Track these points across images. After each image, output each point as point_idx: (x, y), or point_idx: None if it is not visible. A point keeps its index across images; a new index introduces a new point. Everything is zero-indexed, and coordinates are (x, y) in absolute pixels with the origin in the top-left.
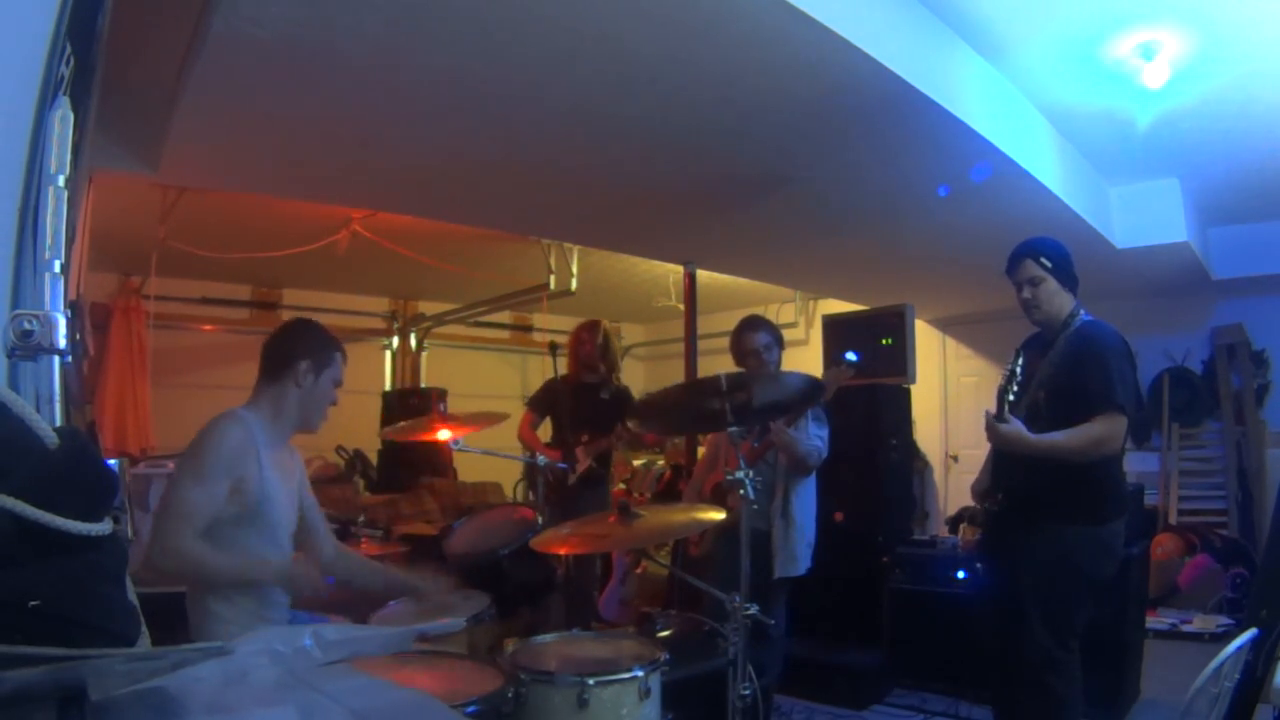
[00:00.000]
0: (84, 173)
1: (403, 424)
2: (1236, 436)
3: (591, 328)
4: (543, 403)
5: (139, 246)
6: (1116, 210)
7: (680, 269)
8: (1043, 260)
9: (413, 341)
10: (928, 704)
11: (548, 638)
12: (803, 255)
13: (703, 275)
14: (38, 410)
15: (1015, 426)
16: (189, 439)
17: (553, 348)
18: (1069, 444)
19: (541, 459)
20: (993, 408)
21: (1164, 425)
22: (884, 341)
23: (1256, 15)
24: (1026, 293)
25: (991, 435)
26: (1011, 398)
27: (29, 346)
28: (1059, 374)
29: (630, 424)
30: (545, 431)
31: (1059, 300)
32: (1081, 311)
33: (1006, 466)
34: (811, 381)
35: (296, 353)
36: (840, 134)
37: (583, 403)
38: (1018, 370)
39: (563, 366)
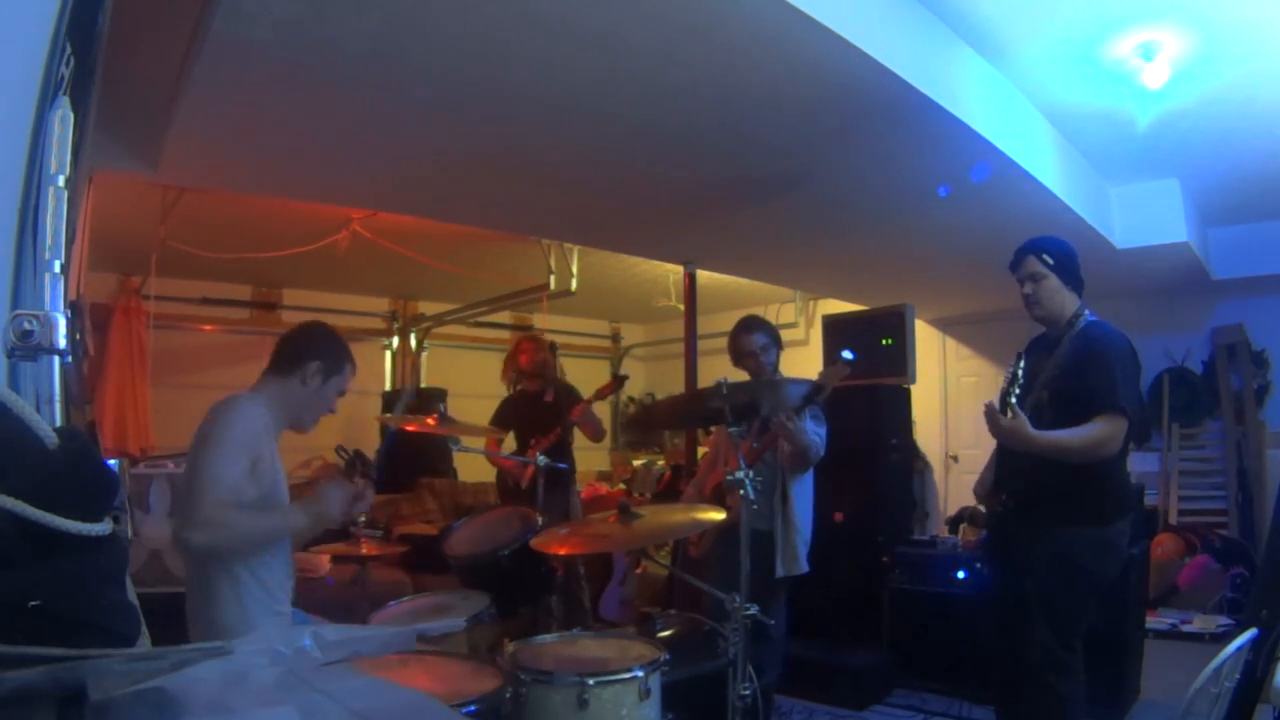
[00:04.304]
0: (84, 173)
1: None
2: (1236, 436)
3: (534, 341)
4: (502, 420)
5: (139, 246)
6: (1116, 210)
7: (680, 269)
8: (1045, 257)
9: (413, 341)
10: (928, 704)
11: (548, 638)
12: (803, 255)
13: (703, 275)
14: (38, 410)
15: (1019, 421)
16: (189, 439)
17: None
18: (1071, 443)
19: (541, 458)
20: (993, 402)
21: (1164, 425)
22: (884, 341)
23: (1256, 15)
24: (1027, 288)
25: (993, 428)
26: (1014, 399)
27: (29, 346)
28: (1063, 375)
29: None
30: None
31: (1060, 299)
32: (1087, 312)
33: (1010, 468)
34: (811, 389)
35: (311, 353)
36: (840, 134)
37: (531, 410)
38: (1019, 372)
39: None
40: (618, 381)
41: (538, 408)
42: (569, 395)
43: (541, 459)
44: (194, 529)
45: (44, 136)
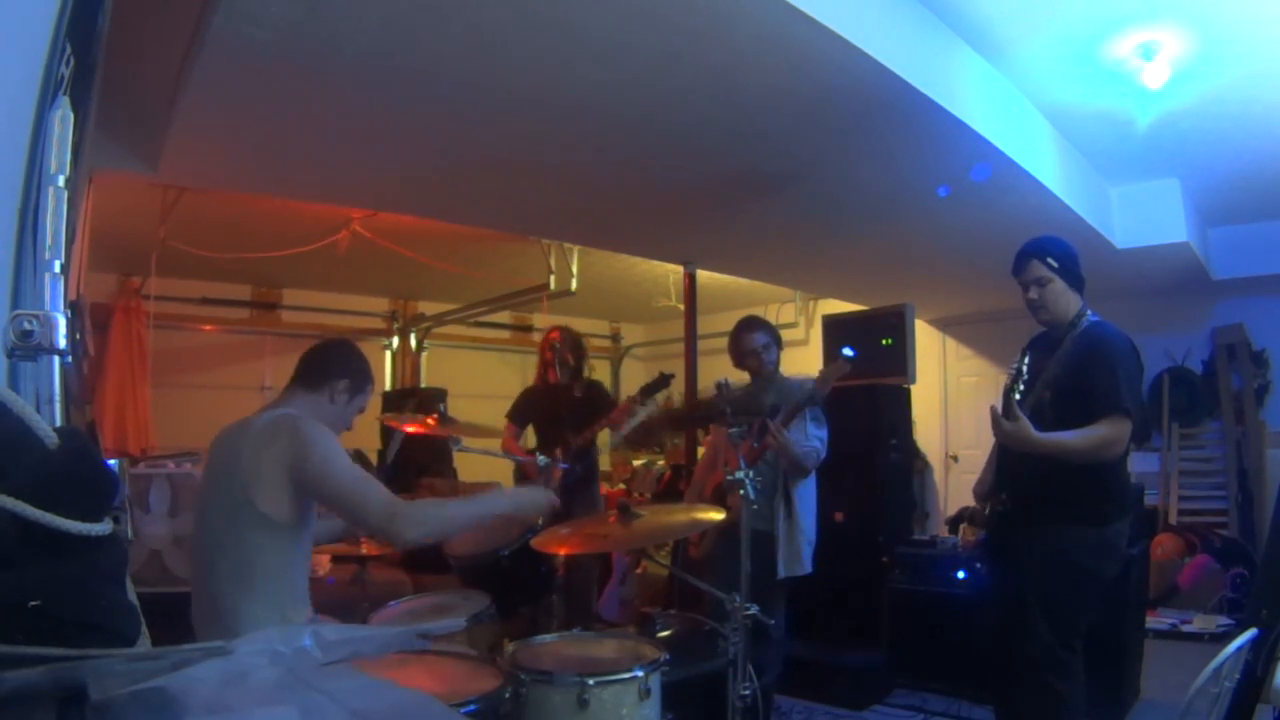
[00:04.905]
0: (84, 173)
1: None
2: (1236, 436)
3: (561, 331)
4: (521, 412)
5: (139, 246)
6: (1116, 210)
7: (680, 269)
8: (1050, 260)
9: (413, 341)
10: (928, 704)
11: (548, 638)
12: (802, 255)
13: (703, 275)
14: (38, 410)
15: (1022, 424)
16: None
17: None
18: (1075, 444)
19: (542, 459)
20: (996, 406)
21: (1164, 425)
22: (884, 341)
23: (1256, 15)
24: (1033, 293)
25: (997, 431)
26: (1018, 397)
27: (29, 346)
28: (1065, 375)
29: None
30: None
31: (1065, 301)
32: (1089, 312)
33: (1010, 467)
34: (811, 389)
35: (340, 370)
36: (840, 134)
37: (558, 405)
38: (1023, 369)
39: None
40: (664, 380)
41: (569, 403)
42: (598, 392)
43: (542, 459)
44: (409, 527)
45: (44, 136)
